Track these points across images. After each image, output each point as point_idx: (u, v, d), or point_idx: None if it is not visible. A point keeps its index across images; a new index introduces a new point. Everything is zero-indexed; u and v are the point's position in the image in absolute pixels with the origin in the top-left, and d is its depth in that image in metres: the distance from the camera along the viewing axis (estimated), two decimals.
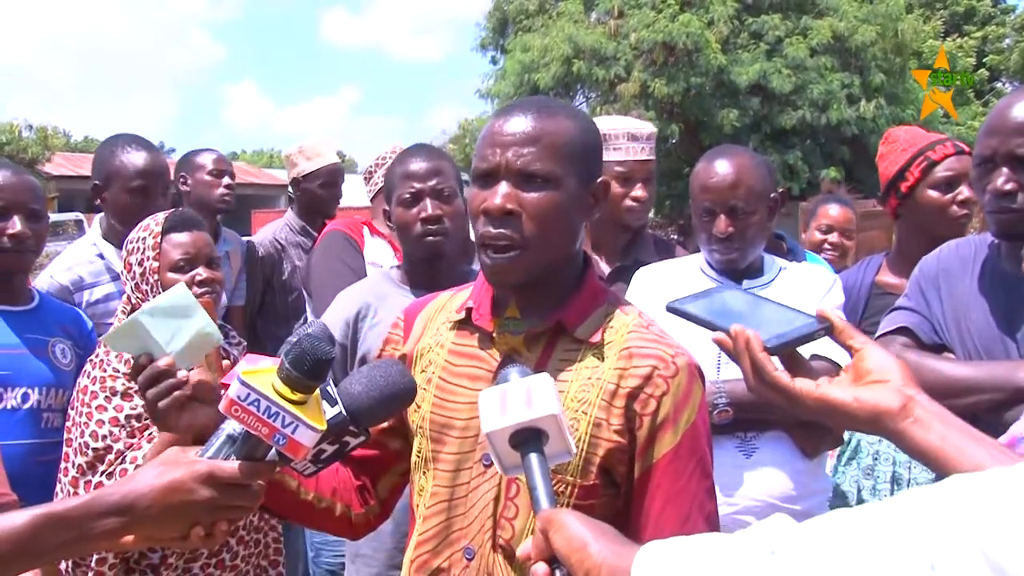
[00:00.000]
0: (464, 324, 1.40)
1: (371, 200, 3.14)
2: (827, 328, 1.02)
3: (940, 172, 2.52)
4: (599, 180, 1.37)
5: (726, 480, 2.00)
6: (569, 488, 1.28)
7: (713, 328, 1.08)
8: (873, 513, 0.67)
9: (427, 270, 2.24)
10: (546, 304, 1.34)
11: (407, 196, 2.22)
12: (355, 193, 4.99)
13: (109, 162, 2.72)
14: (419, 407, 1.38)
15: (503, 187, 1.29)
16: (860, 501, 2.57)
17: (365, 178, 3.18)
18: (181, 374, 1.32)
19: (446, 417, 1.36)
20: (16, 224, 2.25)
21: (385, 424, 1.44)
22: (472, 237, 1.39)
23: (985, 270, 1.80)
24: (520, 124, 1.30)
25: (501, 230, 1.28)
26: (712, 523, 1.33)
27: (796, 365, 1.03)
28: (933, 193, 2.53)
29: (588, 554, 0.84)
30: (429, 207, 2.19)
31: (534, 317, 1.35)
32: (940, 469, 0.88)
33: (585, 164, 1.34)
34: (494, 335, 1.35)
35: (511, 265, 1.30)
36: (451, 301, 1.46)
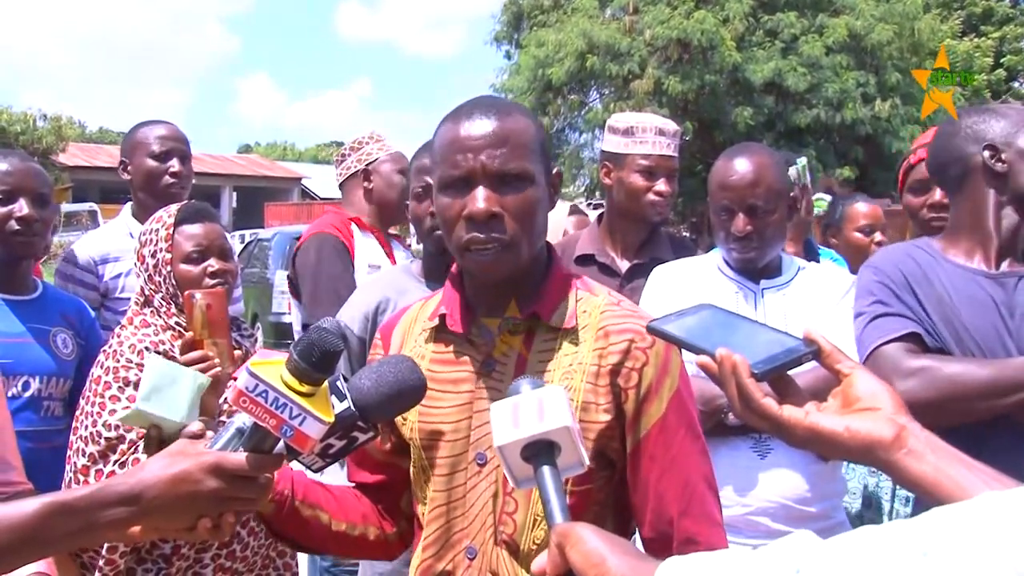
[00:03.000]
0: (440, 331, 1.40)
1: (341, 185, 3.12)
2: (815, 352, 0.98)
3: (914, 176, 2.58)
4: (554, 171, 1.41)
5: (740, 481, 1.99)
6: None
7: (696, 351, 1.02)
8: (902, 531, 0.65)
9: (441, 264, 2.24)
10: (520, 298, 1.36)
11: (419, 190, 2.25)
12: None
13: (131, 138, 2.93)
14: (406, 419, 1.39)
15: (482, 191, 1.29)
16: (867, 501, 2.56)
17: (337, 161, 3.16)
18: (195, 426, 1.34)
19: (434, 423, 1.37)
20: (24, 207, 2.27)
21: (388, 446, 1.45)
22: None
23: (955, 271, 1.77)
24: (485, 126, 1.30)
25: (490, 233, 1.29)
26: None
27: (784, 387, 0.99)
28: (911, 197, 2.59)
29: (606, 569, 0.81)
30: None
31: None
32: (935, 500, 0.85)
33: (545, 157, 1.37)
34: (471, 337, 1.37)
35: (499, 262, 1.31)
36: (423, 311, 1.47)
